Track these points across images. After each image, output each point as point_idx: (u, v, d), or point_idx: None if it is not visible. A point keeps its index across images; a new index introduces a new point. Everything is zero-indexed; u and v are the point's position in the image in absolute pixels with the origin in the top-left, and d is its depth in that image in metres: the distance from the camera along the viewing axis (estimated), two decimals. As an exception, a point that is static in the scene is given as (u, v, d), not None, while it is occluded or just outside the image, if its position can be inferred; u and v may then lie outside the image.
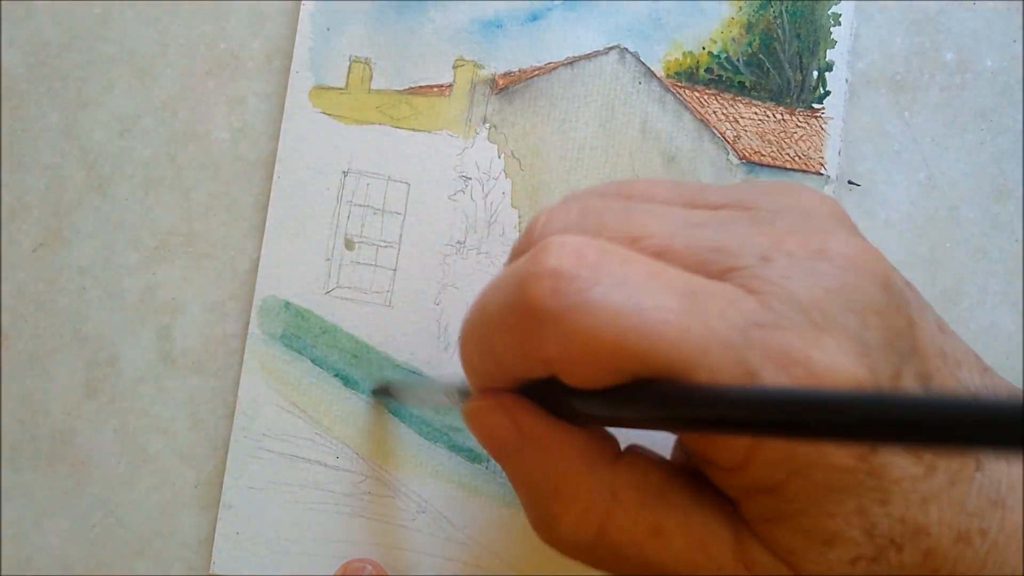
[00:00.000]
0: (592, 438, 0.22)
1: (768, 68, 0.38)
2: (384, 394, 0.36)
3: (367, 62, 0.37)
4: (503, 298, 0.20)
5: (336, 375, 0.36)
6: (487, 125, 0.37)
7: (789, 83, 0.38)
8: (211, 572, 0.35)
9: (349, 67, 0.37)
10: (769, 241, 0.20)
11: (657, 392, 0.18)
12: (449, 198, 0.37)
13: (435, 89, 0.37)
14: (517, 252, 0.23)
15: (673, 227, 0.20)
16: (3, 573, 0.36)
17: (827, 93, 0.37)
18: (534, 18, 0.38)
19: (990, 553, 0.20)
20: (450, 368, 0.36)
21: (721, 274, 0.19)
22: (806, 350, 0.18)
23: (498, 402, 0.22)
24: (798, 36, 0.38)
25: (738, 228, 0.20)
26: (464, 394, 0.25)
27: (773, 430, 0.17)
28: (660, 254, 0.20)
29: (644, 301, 0.18)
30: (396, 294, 0.37)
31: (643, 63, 0.37)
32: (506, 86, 0.37)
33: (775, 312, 0.18)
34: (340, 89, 0.37)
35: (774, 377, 0.18)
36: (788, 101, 0.37)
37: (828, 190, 0.37)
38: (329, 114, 0.37)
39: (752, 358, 0.18)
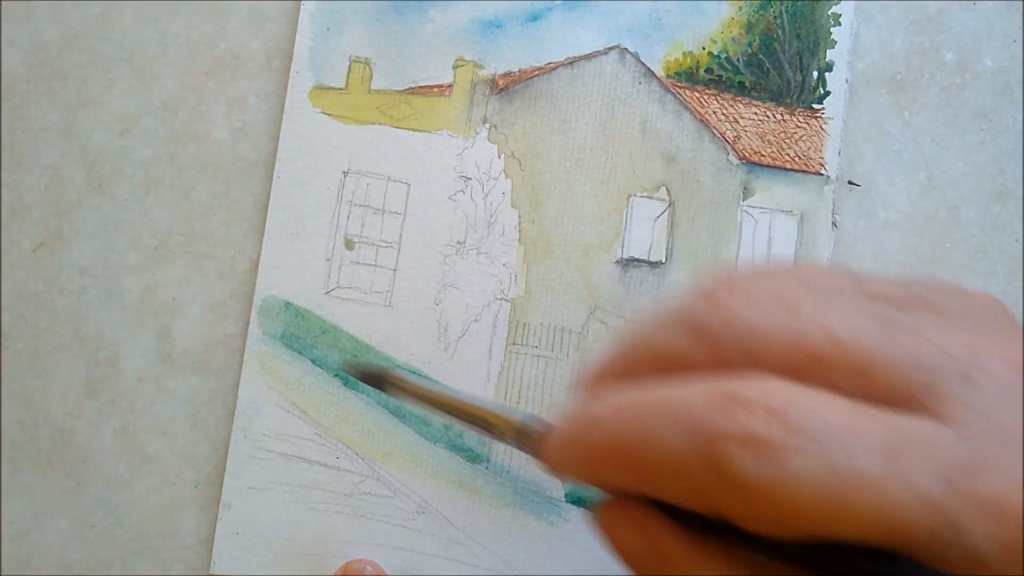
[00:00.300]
0: (730, 553, 0.20)
1: (768, 68, 0.38)
2: (370, 381, 0.32)
3: (367, 62, 0.37)
4: (680, 439, 0.18)
5: (336, 375, 0.36)
6: (487, 125, 0.37)
7: (789, 83, 0.38)
8: (211, 572, 0.35)
9: (349, 67, 0.37)
10: (967, 353, 0.18)
11: (844, 559, 0.17)
12: (449, 198, 0.37)
13: (435, 89, 0.37)
14: (686, 314, 0.21)
15: (869, 328, 0.19)
16: (3, 573, 0.36)
17: (827, 93, 0.37)
18: (534, 18, 0.38)
19: None
20: (450, 368, 0.36)
21: (922, 399, 0.18)
22: (1018, 495, 0.17)
23: (632, 518, 0.21)
24: (798, 36, 0.38)
25: (931, 333, 0.19)
26: (521, 432, 0.24)
27: None
28: (862, 371, 0.18)
29: (841, 466, 0.17)
30: (396, 294, 0.37)
31: (643, 63, 0.37)
32: (506, 86, 0.37)
33: (981, 450, 0.17)
34: (340, 89, 0.37)
35: (985, 530, 0.16)
36: (788, 101, 0.37)
37: (828, 190, 0.37)
38: (329, 114, 0.37)
39: (959, 513, 0.17)
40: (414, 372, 0.36)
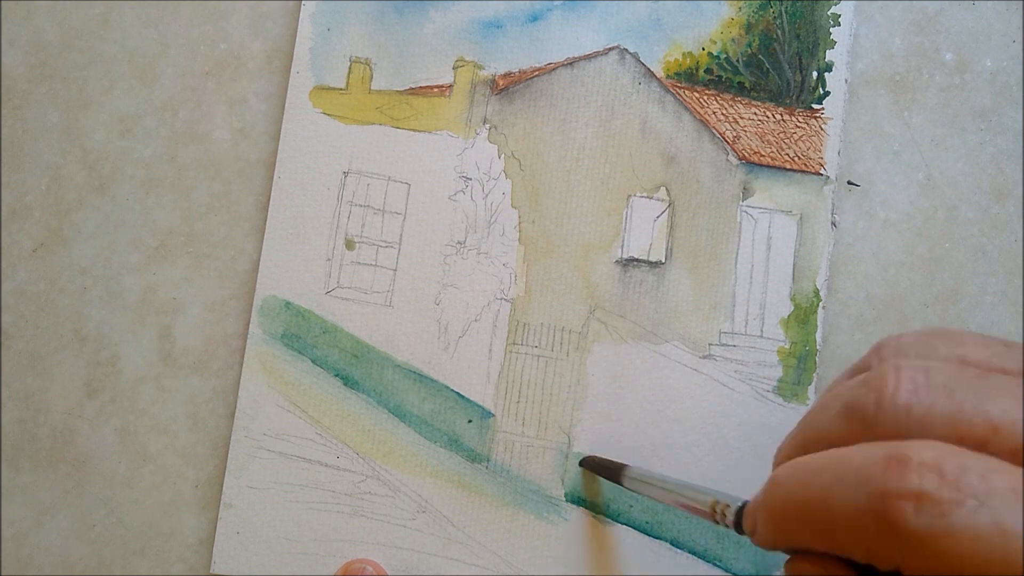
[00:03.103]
0: None
1: (768, 69, 0.38)
2: (599, 471, 0.35)
3: (367, 62, 0.37)
4: (855, 500, 0.20)
5: (336, 375, 0.36)
6: (487, 125, 0.37)
7: (789, 84, 0.38)
8: (211, 572, 0.35)
9: (349, 67, 0.37)
10: None
11: None
12: (449, 198, 0.37)
13: (435, 89, 0.37)
14: (854, 411, 0.22)
15: None
16: (3, 572, 0.36)
17: (827, 93, 0.37)
18: (534, 19, 0.38)
19: None
20: (450, 368, 0.36)
21: None
22: None
23: (817, 568, 0.22)
24: (798, 37, 0.38)
25: None
26: (734, 512, 0.25)
27: None
28: (1019, 453, 0.19)
29: (1008, 523, 0.18)
30: (396, 294, 0.37)
31: (643, 64, 0.37)
32: (506, 87, 0.37)
33: None
34: (340, 89, 0.37)
35: None
36: (788, 101, 0.38)
37: (827, 190, 0.37)
38: (329, 114, 0.37)
39: None
40: (414, 372, 0.36)
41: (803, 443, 0.23)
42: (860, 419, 0.21)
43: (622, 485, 0.33)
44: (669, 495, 0.29)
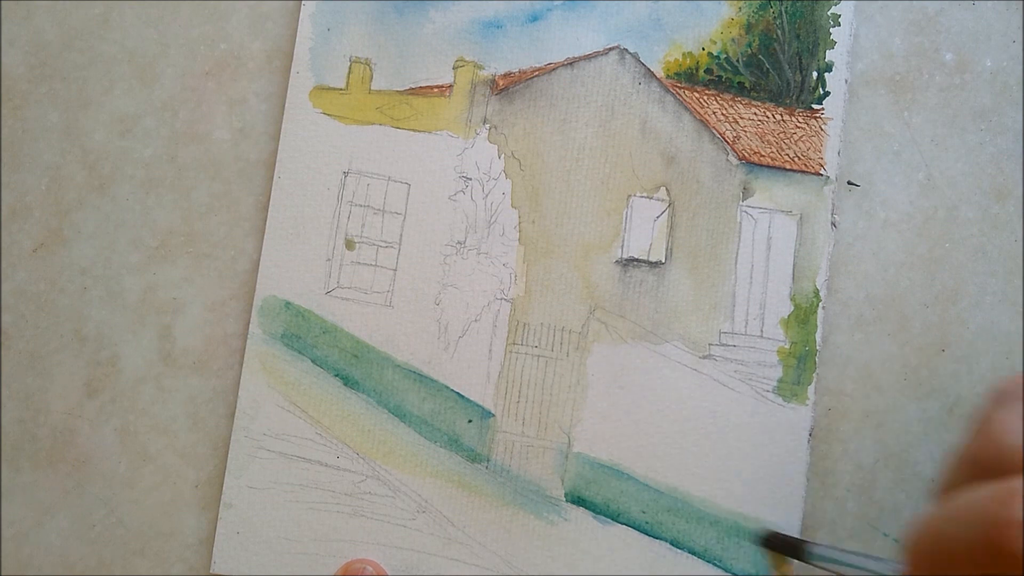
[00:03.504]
0: None
1: (768, 69, 0.38)
2: (783, 549, 0.35)
3: (367, 62, 0.37)
4: (971, 536, 0.21)
5: (336, 375, 0.36)
6: (487, 126, 0.37)
7: (789, 84, 0.38)
8: (211, 572, 0.35)
9: (349, 67, 0.37)
10: None
11: None
12: (449, 198, 0.37)
13: (435, 90, 0.37)
14: (973, 462, 0.25)
15: None
16: (3, 572, 0.36)
17: (826, 94, 0.37)
18: (534, 19, 0.38)
19: None
20: (450, 368, 0.36)
21: None
22: None
23: None
24: (798, 37, 0.38)
25: None
26: None
27: None
28: None
29: None
30: (396, 294, 0.37)
31: (643, 64, 0.37)
32: (506, 87, 0.37)
33: None
34: (340, 89, 0.37)
35: None
36: (788, 102, 0.38)
37: (827, 190, 0.37)
38: (329, 114, 0.37)
39: None
40: (414, 372, 0.36)
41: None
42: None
43: (807, 563, 0.33)
44: (850, 569, 0.30)
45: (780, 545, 0.35)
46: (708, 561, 0.35)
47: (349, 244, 0.37)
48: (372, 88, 0.37)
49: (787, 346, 0.36)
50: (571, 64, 0.38)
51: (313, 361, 0.36)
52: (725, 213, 0.37)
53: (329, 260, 0.37)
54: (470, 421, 0.36)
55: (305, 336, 0.36)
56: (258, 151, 0.37)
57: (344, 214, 0.37)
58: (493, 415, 0.36)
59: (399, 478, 0.36)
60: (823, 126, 0.37)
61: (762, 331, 0.37)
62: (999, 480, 0.22)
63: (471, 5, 0.38)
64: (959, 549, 0.22)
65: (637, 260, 0.37)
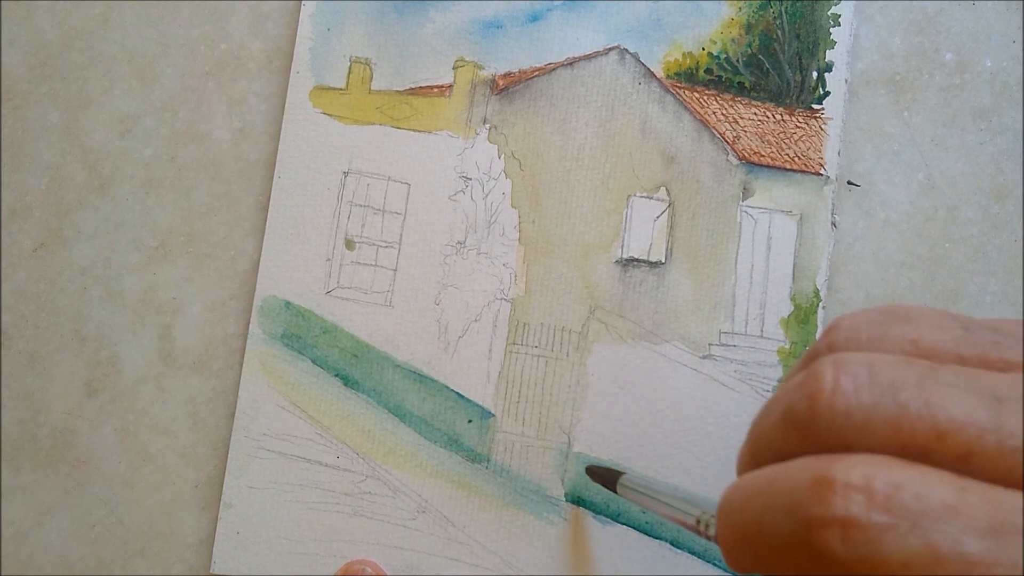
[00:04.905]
0: None
1: (768, 69, 0.38)
2: (601, 480, 0.34)
3: (367, 62, 0.37)
4: (784, 527, 0.18)
5: (336, 375, 0.36)
6: (487, 125, 0.37)
7: (789, 84, 0.38)
8: (211, 572, 0.35)
9: (349, 67, 0.37)
10: None
11: None
12: (449, 198, 0.37)
13: (435, 89, 0.37)
14: (803, 364, 0.22)
15: (979, 413, 0.18)
16: (3, 572, 0.36)
17: (826, 93, 0.37)
18: (534, 19, 0.38)
19: None
20: (450, 368, 0.36)
21: None
22: None
23: None
24: (798, 37, 0.38)
25: None
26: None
27: None
28: (966, 458, 0.18)
29: (942, 547, 0.17)
30: (396, 294, 0.37)
31: (643, 64, 0.37)
32: (506, 87, 0.37)
33: None
34: (340, 89, 0.37)
35: None
36: (788, 102, 0.38)
37: (827, 190, 0.37)
38: (329, 114, 0.37)
39: None
40: (414, 372, 0.36)
41: (752, 452, 0.21)
42: (796, 427, 0.19)
43: (616, 493, 0.32)
44: (658, 505, 0.28)
45: (597, 475, 0.34)
46: (708, 561, 0.35)
47: (349, 244, 0.37)
48: (372, 88, 0.37)
49: (787, 346, 0.36)
50: (571, 64, 0.38)
51: (313, 361, 0.36)
52: (725, 213, 0.37)
53: (329, 260, 0.37)
54: (470, 421, 0.36)
55: (305, 336, 0.36)
56: (258, 151, 0.37)
57: (344, 214, 0.37)
58: (493, 415, 0.36)
59: (399, 478, 0.36)
60: (823, 126, 0.37)
61: (762, 331, 0.37)
62: (819, 456, 0.19)
63: (471, 5, 0.38)
64: (772, 544, 0.19)
65: (637, 260, 0.37)
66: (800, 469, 0.19)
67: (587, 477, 0.35)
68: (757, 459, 0.21)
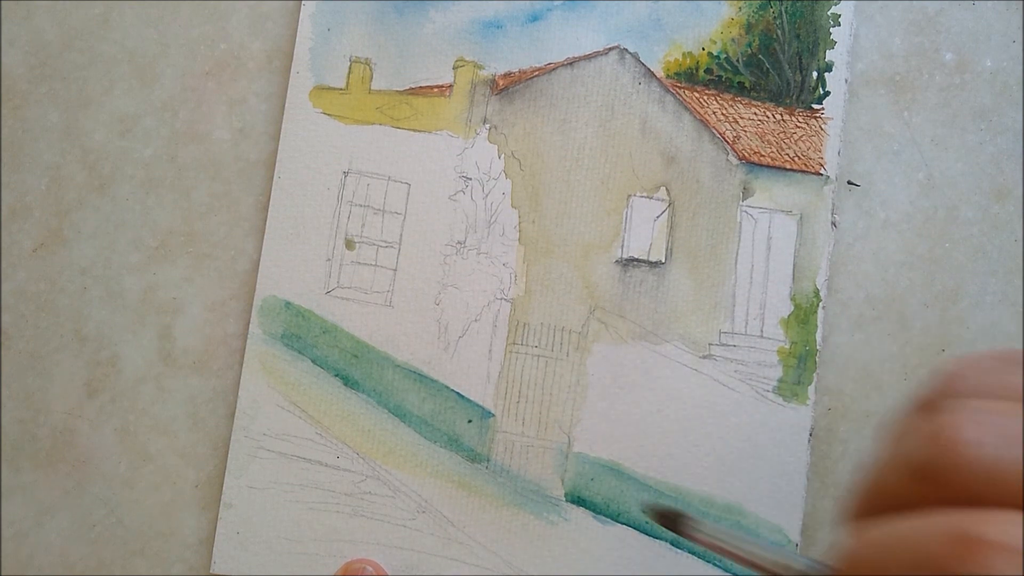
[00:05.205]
0: None
1: (768, 69, 0.38)
2: (666, 522, 0.32)
3: (367, 62, 0.37)
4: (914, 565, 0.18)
5: (336, 375, 0.36)
6: (487, 125, 0.37)
7: (789, 84, 0.38)
8: (211, 572, 0.35)
9: (349, 67, 0.37)
10: None
11: None
12: (449, 198, 0.37)
13: (435, 89, 0.37)
14: (912, 470, 0.20)
15: None
16: (3, 572, 0.36)
17: (826, 93, 0.37)
18: (534, 19, 0.38)
19: None
20: (450, 368, 0.36)
21: None
22: None
23: None
24: (798, 37, 0.38)
25: None
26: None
27: None
28: None
29: None
30: (396, 294, 0.37)
31: (643, 63, 0.37)
32: (506, 87, 0.37)
33: None
34: (340, 89, 0.37)
35: None
36: (788, 101, 0.38)
37: (827, 190, 0.37)
38: (329, 114, 0.37)
39: None
40: (414, 372, 0.36)
41: (871, 500, 0.21)
42: (927, 478, 0.19)
43: (681, 535, 0.31)
44: (746, 554, 0.27)
45: (662, 517, 0.33)
46: (708, 561, 0.35)
47: (349, 244, 0.37)
48: (372, 88, 0.37)
49: (787, 346, 0.36)
50: (571, 64, 0.38)
51: (313, 361, 0.36)
52: (725, 213, 0.37)
53: (329, 260, 0.37)
54: (470, 421, 0.36)
55: (305, 336, 0.36)
56: (258, 151, 0.37)
57: (344, 214, 0.37)
58: (493, 415, 0.36)
59: (399, 478, 0.36)
60: (823, 126, 0.37)
61: (762, 331, 0.37)
62: (957, 512, 0.18)
63: (471, 5, 0.38)
64: None
65: (637, 260, 0.37)
66: (936, 525, 0.18)
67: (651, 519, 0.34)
68: (876, 508, 0.20)
